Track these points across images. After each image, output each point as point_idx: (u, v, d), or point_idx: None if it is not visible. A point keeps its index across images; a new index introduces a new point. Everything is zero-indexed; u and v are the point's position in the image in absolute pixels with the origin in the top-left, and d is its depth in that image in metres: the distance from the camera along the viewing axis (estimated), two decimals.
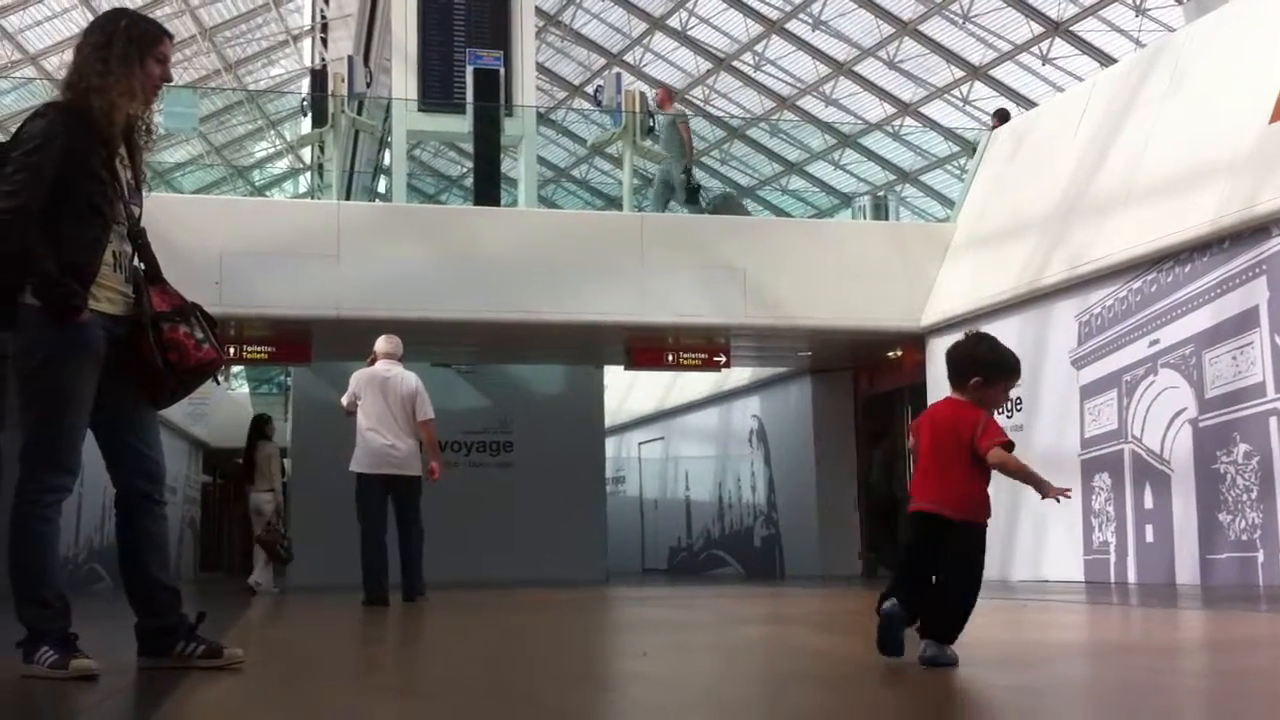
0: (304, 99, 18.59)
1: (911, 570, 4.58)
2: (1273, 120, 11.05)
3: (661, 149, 17.37)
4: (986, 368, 4.53)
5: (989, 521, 4.52)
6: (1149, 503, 12.17)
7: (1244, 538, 10.99)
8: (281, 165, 37.13)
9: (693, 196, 16.99)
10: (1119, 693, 3.85)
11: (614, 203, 23.62)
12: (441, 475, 10.83)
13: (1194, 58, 12.69)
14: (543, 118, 32.26)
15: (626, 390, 23.57)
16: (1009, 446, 4.45)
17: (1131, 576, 12.32)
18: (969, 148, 18.33)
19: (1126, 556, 12.41)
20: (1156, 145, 12.64)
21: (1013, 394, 14.34)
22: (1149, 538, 12.13)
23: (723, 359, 16.92)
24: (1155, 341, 12.14)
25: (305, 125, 18.63)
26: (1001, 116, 17.59)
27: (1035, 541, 13.81)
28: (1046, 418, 13.74)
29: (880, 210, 19.23)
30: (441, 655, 5.93)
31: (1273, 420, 10.72)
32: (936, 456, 4.51)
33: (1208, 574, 11.33)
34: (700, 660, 5.38)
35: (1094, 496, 12.91)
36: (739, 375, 20.03)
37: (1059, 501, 4.64)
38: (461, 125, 16.99)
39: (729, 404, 21.74)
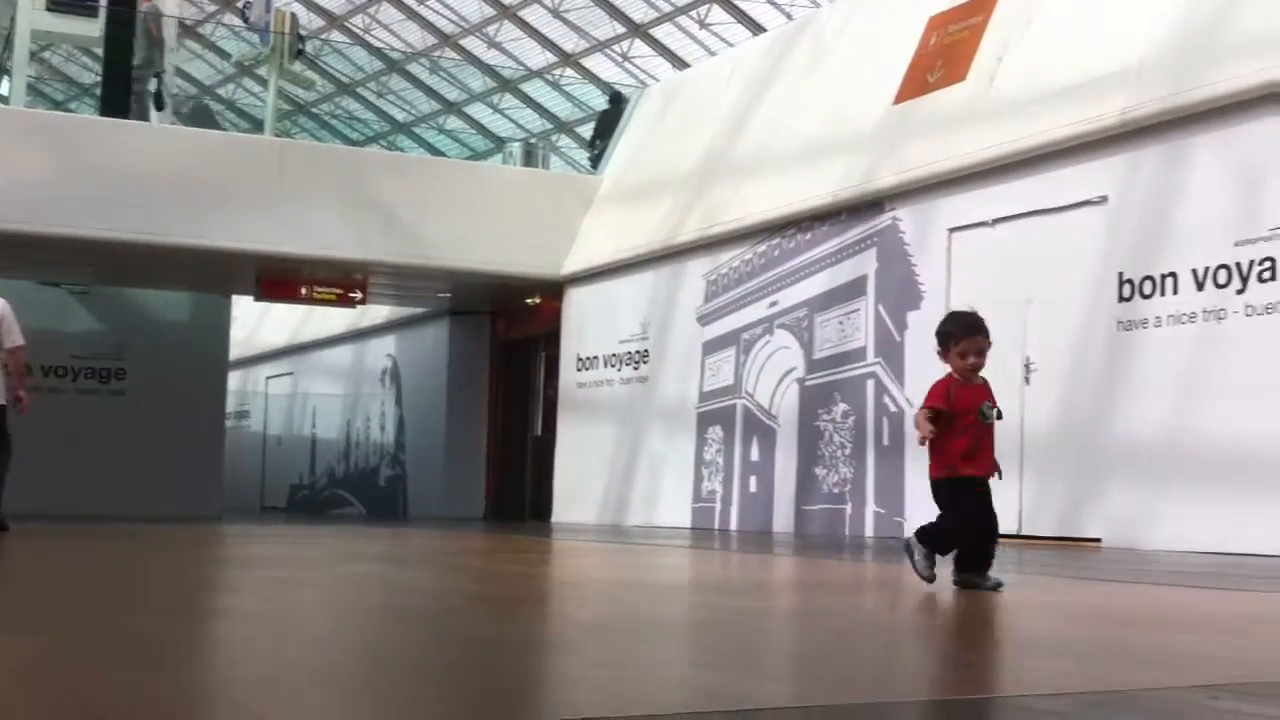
0: None
1: None
2: (896, 102, 11.69)
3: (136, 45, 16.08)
4: (939, 337, 5.05)
5: (938, 477, 5.05)
6: (755, 455, 12.74)
7: (835, 491, 11.67)
8: None
9: (158, 101, 16.03)
10: (665, 626, 3.93)
11: (260, 126, 22.55)
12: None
13: (833, 35, 13.27)
14: (187, 30, 30.39)
15: (258, 322, 22.66)
16: (931, 414, 4.88)
17: (734, 524, 12.89)
18: (623, 103, 18.52)
19: (731, 505, 12.97)
20: (793, 116, 13.15)
21: (637, 347, 14.68)
22: (752, 488, 12.71)
23: (359, 295, 16.51)
24: (774, 303, 12.68)
25: None
26: (615, 100, 18.16)
27: (650, 489, 14.24)
28: (671, 371, 14.14)
29: (532, 158, 19.22)
30: (30, 586, 5.47)
31: (870, 383, 11.41)
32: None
33: (802, 523, 11.98)
34: (299, 595, 5.18)
35: (706, 448, 13.41)
36: (376, 313, 19.63)
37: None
38: (93, 29, 15.77)
39: (364, 342, 21.28)
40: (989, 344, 4.96)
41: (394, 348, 20.44)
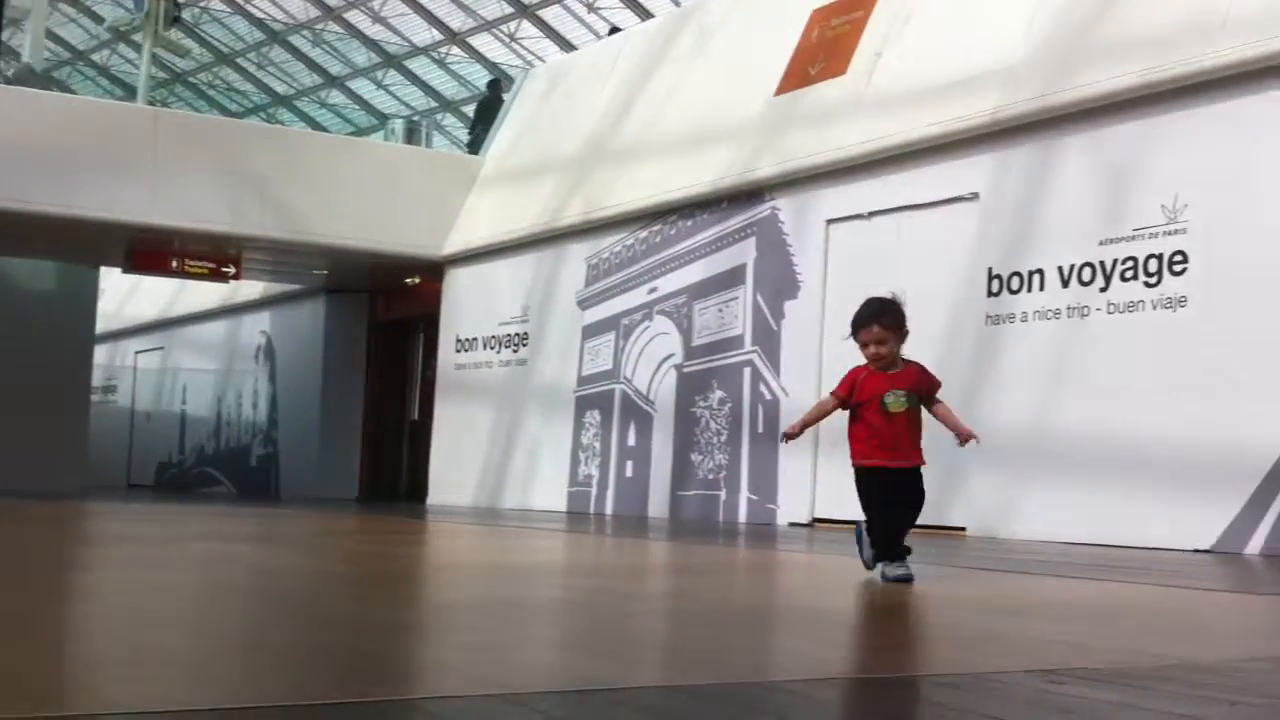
0: None
1: None
2: (778, 93, 11.79)
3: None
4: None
5: (858, 464, 4.92)
6: (632, 440, 12.78)
7: (711, 477, 11.77)
8: None
9: None
10: (531, 609, 3.93)
11: (135, 94, 21.94)
12: None
13: (718, 25, 13.32)
14: None
15: (128, 295, 22.07)
16: (838, 402, 4.89)
17: (609, 508, 12.92)
18: (509, 83, 18.41)
19: (607, 489, 13.00)
20: (676, 104, 13.18)
21: (517, 330, 14.62)
22: (629, 473, 12.75)
23: (233, 270, 16.17)
24: (654, 289, 12.72)
25: None
26: (493, 86, 18.20)
27: (527, 472, 14.20)
28: (550, 355, 14.11)
29: (415, 135, 19.02)
30: None
31: (747, 371, 11.51)
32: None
33: (677, 509, 12.06)
34: (155, 574, 5.06)
35: (584, 432, 13.41)
36: (251, 289, 19.24)
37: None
38: None
39: (238, 318, 20.85)
40: (887, 332, 4.80)
41: (269, 324, 20.06)
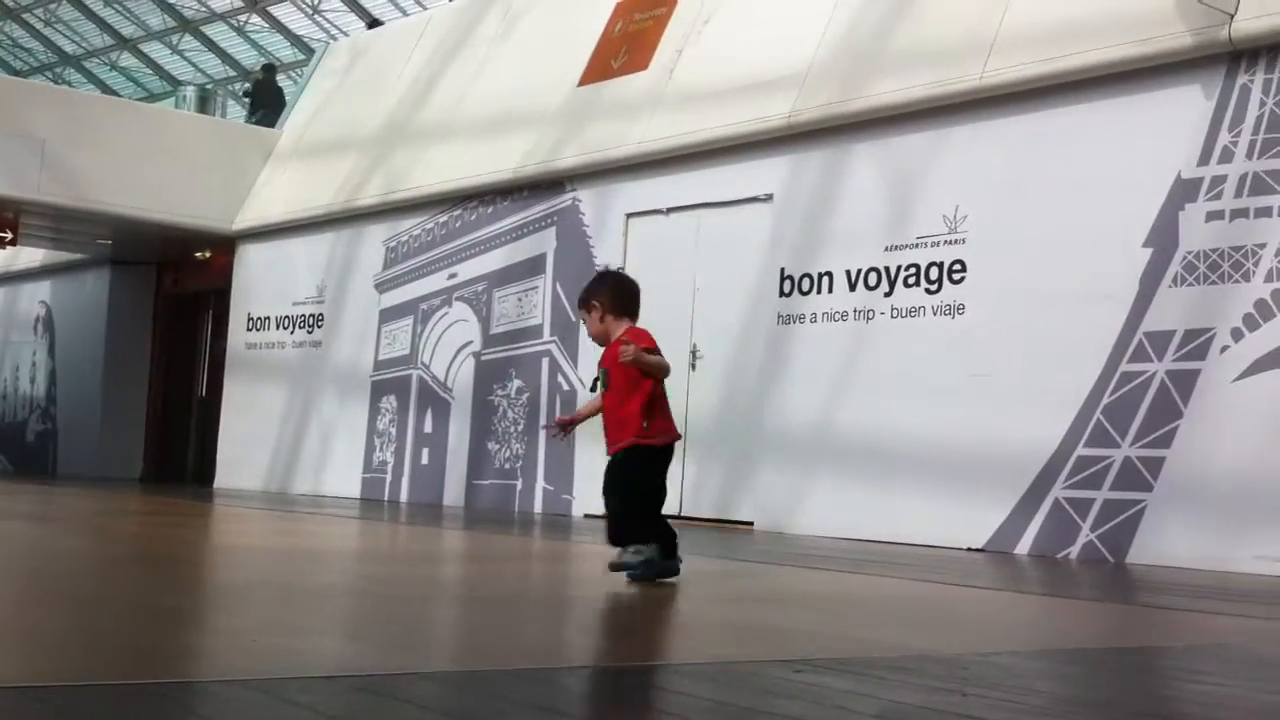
0: None
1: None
2: (581, 84, 11.85)
3: None
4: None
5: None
6: (429, 427, 12.70)
7: (507, 466, 11.79)
8: None
9: None
10: (304, 594, 3.90)
11: None
12: None
13: (524, 9, 13.29)
14: None
15: None
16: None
17: (404, 495, 12.81)
18: (310, 56, 18.02)
19: (402, 476, 12.88)
20: (480, 86, 13.11)
21: (312, 310, 14.35)
22: (424, 460, 12.66)
23: (9, 235, 15.40)
24: (454, 275, 12.64)
25: None
26: (268, 70, 17.93)
27: (320, 457, 13.96)
28: (346, 337, 13.88)
29: (208, 104, 18.44)
30: None
31: (545, 360, 11.56)
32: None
33: (473, 497, 12.03)
34: None
35: (379, 417, 13.26)
36: (30, 256, 18.36)
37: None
38: None
39: (15, 286, 19.87)
40: (583, 311, 4.82)
41: (49, 294, 19.17)
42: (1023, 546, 7.96)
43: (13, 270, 19.12)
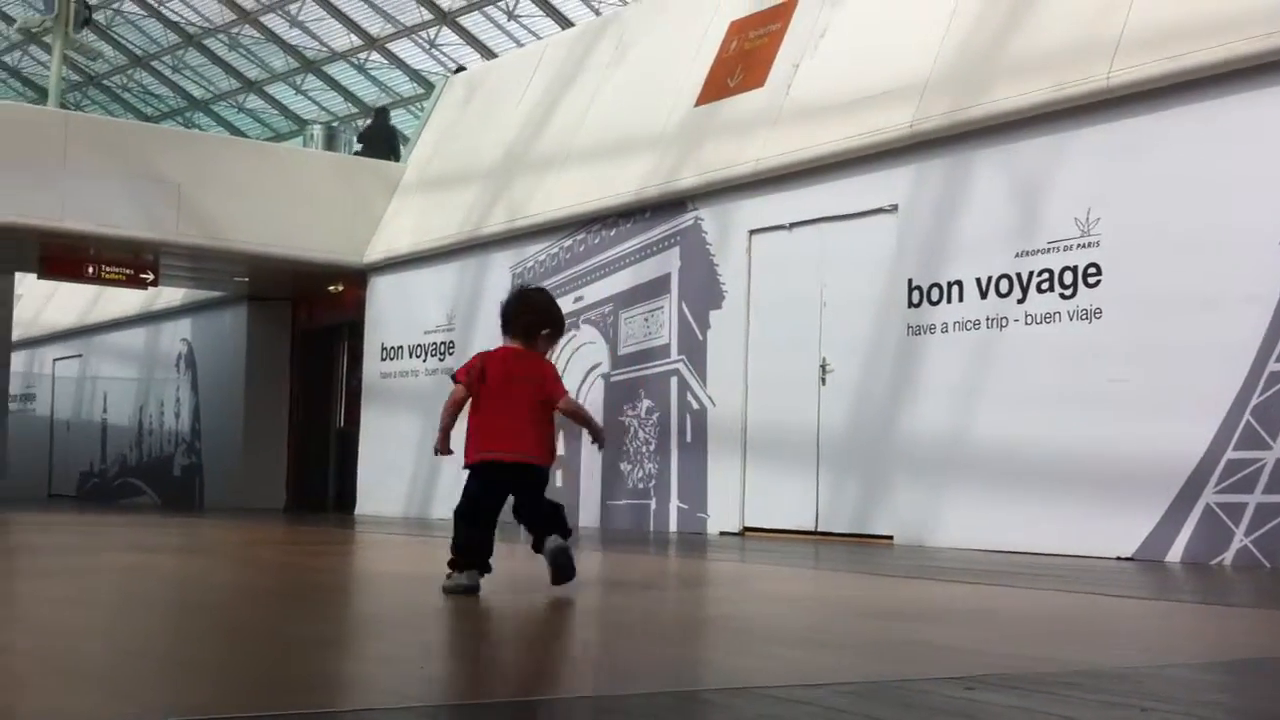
0: None
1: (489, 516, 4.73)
2: (698, 103, 11.92)
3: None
4: (557, 322, 4.88)
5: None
6: (561, 449, 12.79)
7: (640, 486, 11.86)
8: None
9: None
10: (440, 618, 3.99)
11: (47, 96, 21.58)
12: None
13: (638, 33, 13.43)
14: None
15: (45, 301, 21.69)
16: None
17: None
18: (430, 90, 18.40)
19: None
20: (597, 112, 13.27)
21: (443, 338, 14.63)
22: (558, 482, 12.78)
23: (150, 276, 15.96)
24: (580, 298, 12.78)
25: None
26: (381, 114, 18.35)
27: (455, 482, 14.14)
28: None
29: (334, 141, 18.94)
30: None
31: (674, 380, 11.62)
32: (523, 408, 4.66)
33: (608, 518, 12.13)
34: (58, 586, 5.04)
35: None
36: (171, 295, 19.01)
37: (600, 450, 5.20)
38: None
39: (158, 325, 20.57)
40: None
41: (190, 332, 19.82)
42: (1174, 554, 7.78)
43: (154, 309, 19.81)
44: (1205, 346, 7.79)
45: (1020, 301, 8.88)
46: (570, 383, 12.75)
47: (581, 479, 12.50)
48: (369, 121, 20.03)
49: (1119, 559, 7.93)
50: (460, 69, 17.88)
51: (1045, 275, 8.75)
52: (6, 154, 14.02)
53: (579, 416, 4.89)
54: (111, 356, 21.96)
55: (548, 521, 4.76)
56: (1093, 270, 8.48)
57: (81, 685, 2.47)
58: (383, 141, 18.13)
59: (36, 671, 2.65)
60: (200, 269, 16.68)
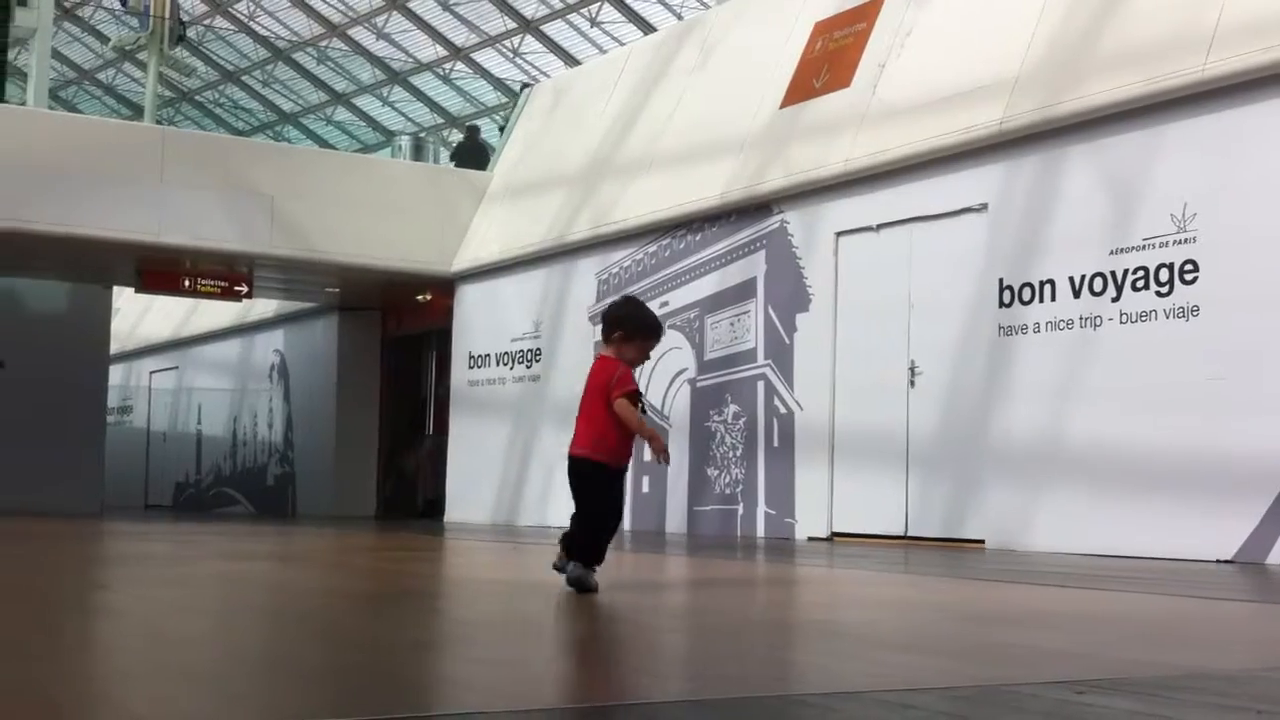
0: None
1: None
2: (783, 105, 11.87)
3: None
4: (625, 323, 4.94)
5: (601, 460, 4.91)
6: (648, 455, 12.81)
7: (727, 491, 11.83)
8: None
9: None
10: (541, 625, 4.00)
11: (142, 113, 22.09)
12: None
13: (721, 37, 13.42)
14: (65, 12, 29.58)
15: (141, 314, 22.20)
16: (634, 397, 4.84)
17: (627, 524, 12.96)
18: (514, 99, 18.56)
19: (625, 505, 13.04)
20: (681, 116, 13.27)
21: (529, 345, 14.72)
22: (645, 488, 12.80)
23: (245, 289, 16.28)
24: (665, 303, 12.78)
25: None
26: (471, 133, 18.49)
27: (543, 488, 14.26)
28: (563, 370, 14.17)
29: (421, 152, 19.16)
30: None
31: (760, 385, 11.58)
32: (588, 408, 4.92)
33: (694, 524, 12.12)
34: (174, 593, 5.14)
35: None
36: (263, 307, 19.36)
37: (659, 462, 5.12)
38: None
39: (251, 336, 20.96)
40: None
41: (282, 343, 20.17)
42: (1276, 556, 7.58)
43: (248, 321, 20.18)
44: None
45: (1115, 300, 8.72)
46: (656, 388, 12.81)
47: (668, 484, 12.50)
48: (461, 138, 20.26)
49: (1219, 561, 7.75)
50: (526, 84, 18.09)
51: (1140, 273, 8.58)
52: (105, 170, 14.38)
53: (625, 418, 4.87)
54: (206, 368, 22.42)
55: (571, 539, 5.05)
56: (1189, 267, 8.30)
57: (191, 689, 2.52)
58: (473, 159, 18.32)
59: (146, 675, 2.70)
60: (292, 280, 16.96)
